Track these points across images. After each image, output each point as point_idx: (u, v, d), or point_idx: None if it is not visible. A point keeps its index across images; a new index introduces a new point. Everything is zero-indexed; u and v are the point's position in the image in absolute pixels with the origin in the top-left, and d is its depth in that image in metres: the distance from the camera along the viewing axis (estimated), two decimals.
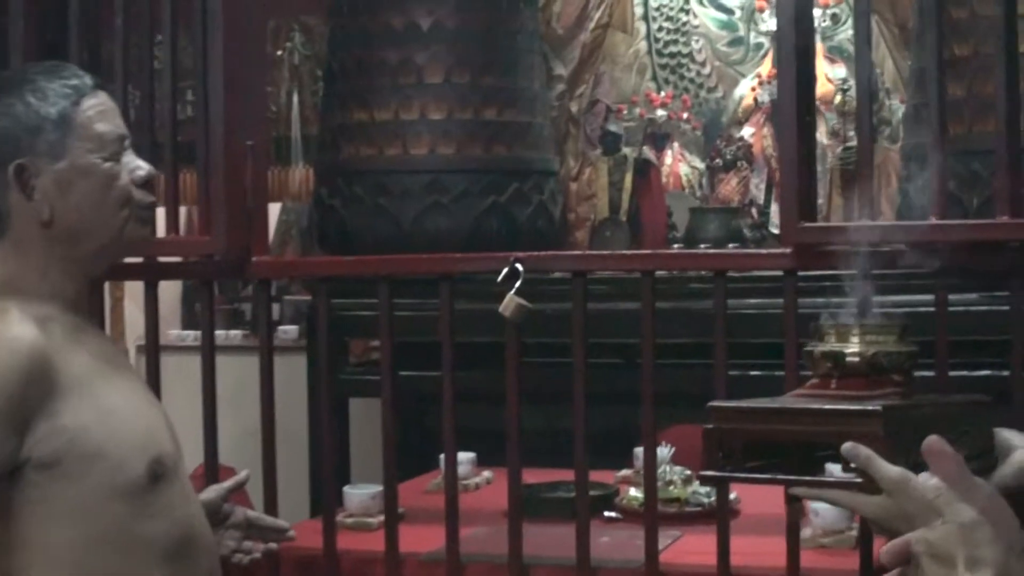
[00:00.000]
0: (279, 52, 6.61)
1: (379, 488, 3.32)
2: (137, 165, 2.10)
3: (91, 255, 2.08)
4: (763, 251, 4.26)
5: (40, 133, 2.02)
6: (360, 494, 3.63)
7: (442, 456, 3.16)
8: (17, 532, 1.95)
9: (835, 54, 5.65)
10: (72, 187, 2.03)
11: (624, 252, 4.71)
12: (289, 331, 6.54)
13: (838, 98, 5.49)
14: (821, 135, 5.39)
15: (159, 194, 3.05)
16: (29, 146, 2.01)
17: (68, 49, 3.19)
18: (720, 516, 2.90)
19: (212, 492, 2.38)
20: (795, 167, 2.79)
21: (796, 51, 2.78)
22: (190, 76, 3.20)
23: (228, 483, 2.43)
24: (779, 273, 2.91)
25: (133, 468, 1.99)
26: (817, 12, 5.46)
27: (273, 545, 2.46)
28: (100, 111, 2.07)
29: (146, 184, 2.11)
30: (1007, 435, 2.00)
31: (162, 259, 3.27)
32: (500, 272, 2.92)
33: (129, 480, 1.99)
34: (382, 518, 3.20)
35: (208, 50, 3.09)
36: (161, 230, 3.15)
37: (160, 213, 3.10)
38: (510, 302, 2.88)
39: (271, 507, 3.07)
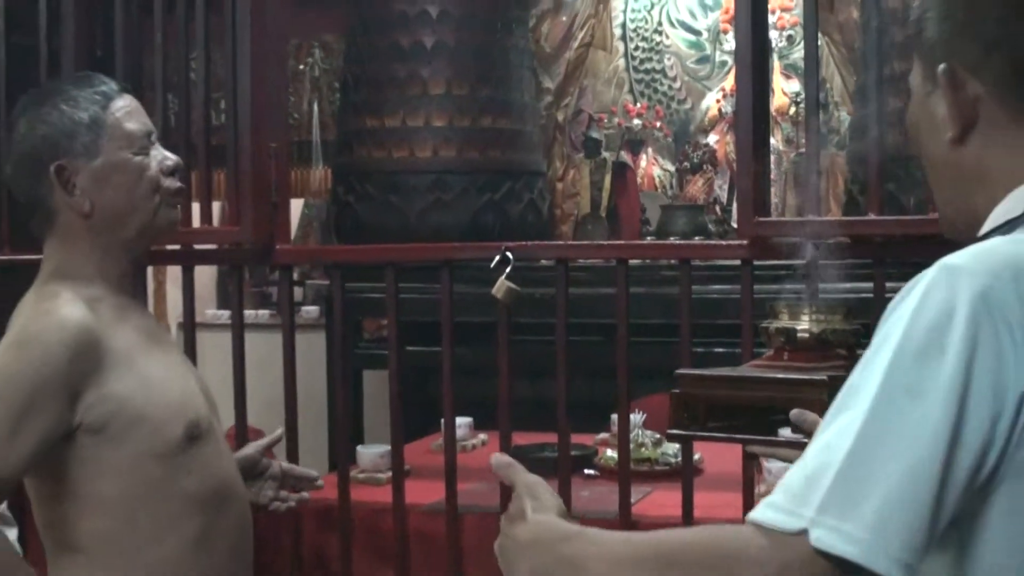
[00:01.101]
0: (301, 66, 6.60)
1: (388, 448, 3.33)
2: (165, 156, 2.09)
3: (130, 239, 2.06)
4: (723, 243, 4.26)
5: (75, 136, 2.00)
6: (371, 453, 3.63)
7: (443, 420, 3.16)
8: (69, 487, 1.96)
9: (790, 71, 5.65)
10: (108, 181, 2.02)
11: (602, 243, 4.71)
12: (311, 311, 6.54)
13: (792, 110, 5.49)
14: (777, 142, 5.40)
15: (194, 191, 3.09)
16: (67, 148, 2.00)
17: (115, 63, 3.19)
18: (685, 471, 2.91)
19: (251, 448, 2.36)
20: (751, 168, 2.78)
21: (752, 67, 2.78)
22: (222, 87, 3.20)
23: (265, 440, 2.41)
24: (737, 262, 2.91)
25: (172, 431, 2.00)
26: (774, 34, 5.48)
27: (306, 495, 2.43)
28: (127, 112, 2.05)
29: (174, 172, 2.10)
30: None
31: (197, 247, 3.27)
32: (493, 260, 2.93)
33: (168, 441, 1.99)
34: (390, 474, 3.21)
35: (237, 64, 3.09)
36: (196, 222, 3.16)
37: (195, 208, 3.12)
38: (501, 286, 2.88)
39: (292, 463, 3.06)
